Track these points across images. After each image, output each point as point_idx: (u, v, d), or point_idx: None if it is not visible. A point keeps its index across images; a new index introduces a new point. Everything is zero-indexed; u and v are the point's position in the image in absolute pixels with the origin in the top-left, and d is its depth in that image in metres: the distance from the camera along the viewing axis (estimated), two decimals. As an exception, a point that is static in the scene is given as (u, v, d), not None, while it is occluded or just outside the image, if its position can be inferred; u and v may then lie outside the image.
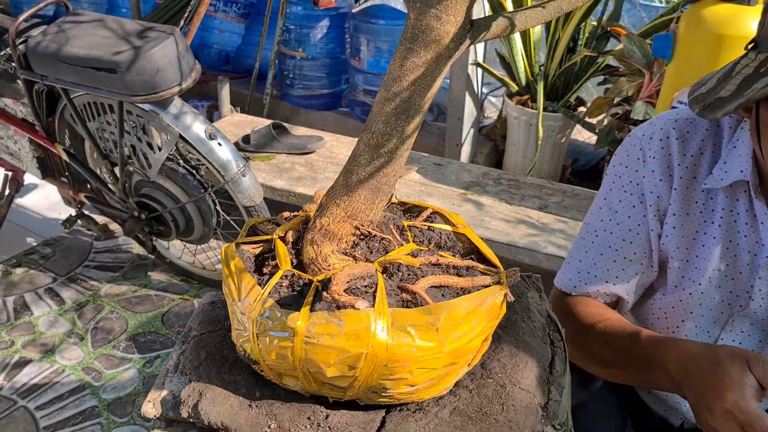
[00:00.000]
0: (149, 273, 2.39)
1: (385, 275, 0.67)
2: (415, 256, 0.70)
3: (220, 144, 1.83)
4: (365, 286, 0.65)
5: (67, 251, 2.50)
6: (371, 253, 0.70)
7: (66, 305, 2.22)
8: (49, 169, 2.24)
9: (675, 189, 0.94)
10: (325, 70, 3.16)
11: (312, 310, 0.62)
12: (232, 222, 2.07)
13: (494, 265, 0.73)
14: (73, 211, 2.30)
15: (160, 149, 1.87)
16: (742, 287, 0.93)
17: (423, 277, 0.68)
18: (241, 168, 1.85)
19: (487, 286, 0.68)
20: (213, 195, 2.00)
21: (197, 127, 1.82)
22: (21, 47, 1.84)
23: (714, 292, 0.95)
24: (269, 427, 0.65)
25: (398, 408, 0.68)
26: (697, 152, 0.94)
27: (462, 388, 0.70)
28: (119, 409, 1.83)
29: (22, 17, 1.80)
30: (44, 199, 2.80)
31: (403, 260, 0.68)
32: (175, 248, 2.35)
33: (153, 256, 2.34)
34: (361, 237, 0.71)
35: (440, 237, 0.76)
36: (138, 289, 2.30)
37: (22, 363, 1.99)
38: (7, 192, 2.40)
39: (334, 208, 0.69)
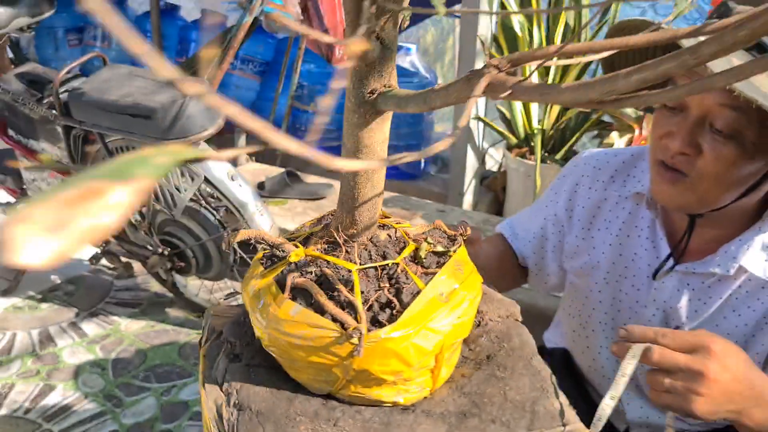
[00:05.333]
0: (167, 309, 2.52)
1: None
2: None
3: (240, 186, 1.99)
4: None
5: (89, 289, 2.64)
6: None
7: (88, 338, 2.35)
8: (77, 210, 2.40)
9: (591, 194, 1.17)
10: (335, 123, 3.36)
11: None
12: (248, 259, 2.21)
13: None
14: (97, 250, 2.44)
15: (186, 190, 2.03)
16: (638, 297, 1.09)
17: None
18: (259, 208, 2.01)
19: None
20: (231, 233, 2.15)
21: (220, 169, 1.98)
22: (63, 96, 2.02)
23: (608, 291, 1.12)
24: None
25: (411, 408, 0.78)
26: (622, 166, 1.15)
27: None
28: (138, 434, 1.95)
29: (65, 69, 1.99)
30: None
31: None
32: (193, 286, 2.48)
33: (171, 293, 2.48)
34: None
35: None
36: (156, 324, 2.43)
37: (47, 389, 2.10)
38: (35, 231, 2.55)
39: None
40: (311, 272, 0.75)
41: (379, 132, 0.72)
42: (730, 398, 0.79)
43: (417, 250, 0.77)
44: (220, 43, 2.39)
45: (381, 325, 0.69)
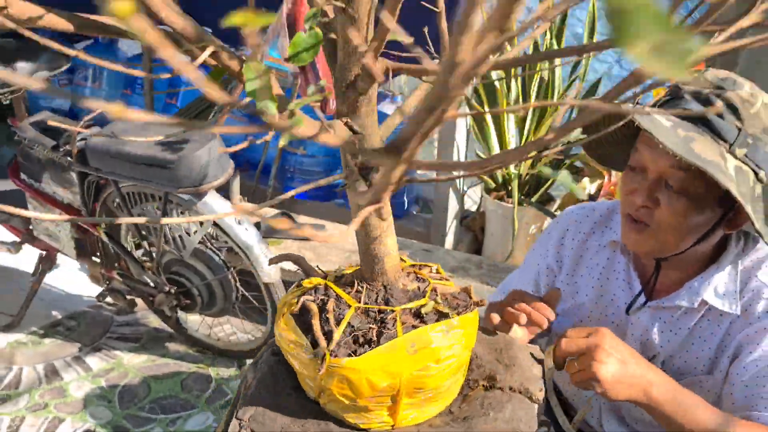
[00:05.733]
0: (166, 344, 2.64)
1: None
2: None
3: (246, 229, 2.15)
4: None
5: (91, 324, 2.75)
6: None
7: (93, 371, 2.46)
8: (83, 250, 2.53)
9: (574, 245, 1.35)
10: (323, 166, 3.53)
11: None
12: (249, 297, 2.36)
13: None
14: (97, 288, 2.56)
15: (195, 232, 2.18)
16: (617, 332, 1.28)
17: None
18: (264, 250, 2.16)
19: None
20: (235, 273, 2.30)
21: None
22: (79, 144, 2.17)
23: (592, 327, 1.33)
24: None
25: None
26: (600, 219, 1.34)
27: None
28: (148, 463, 2.07)
29: (84, 120, 2.14)
30: (66, 277, 3.06)
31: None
32: (193, 322, 2.62)
33: (172, 329, 2.60)
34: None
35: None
36: (157, 358, 2.55)
37: (56, 422, 2.21)
38: (40, 269, 2.67)
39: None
40: (320, 299, 0.92)
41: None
42: (625, 366, 1.02)
43: (424, 305, 0.93)
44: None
45: (355, 356, 0.85)
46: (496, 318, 1.18)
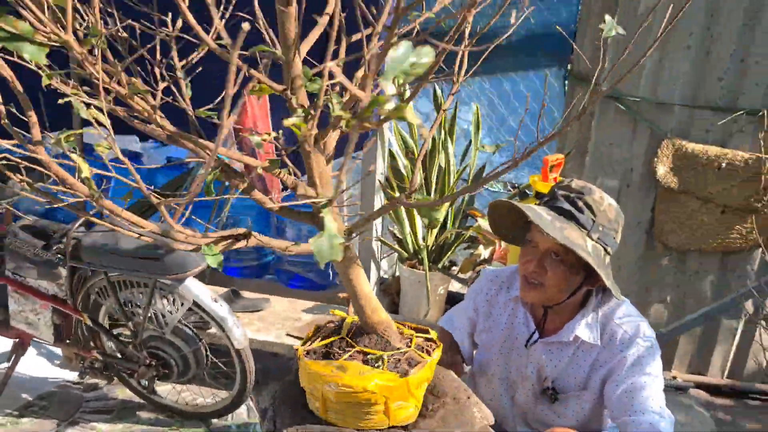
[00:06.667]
0: (137, 412, 2.99)
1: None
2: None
3: (221, 305, 2.61)
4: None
5: (63, 402, 3.05)
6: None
7: (76, 442, 2.78)
8: (60, 335, 2.87)
9: (488, 299, 1.91)
10: (256, 247, 4.01)
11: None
12: (219, 363, 2.79)
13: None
14: (60, 370, 2.89)
15: (177, 311, 2.61)
16: (520, 361, 1.84)
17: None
18: (235, 321, 2.63)
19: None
20: (206, 343, 2.73)
21: (206, 293, 2.60)
22: (72, 242, 2.57)
23: (503, 359, 1.86)
24: None
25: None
26: (506, 278, 1.91)
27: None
28: None
29: (77, 223, 2.56)
30: (29, 361, 3.33)
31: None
32: (162, 390, 2.99)
33: (142, 399, 2.96)
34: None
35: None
36: (133, 425, 2.90)
37: (55, 487, 2.52)
38: (14, 356, 2.97)
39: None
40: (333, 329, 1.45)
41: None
42: None
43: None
44: (180, 183, 3.05)
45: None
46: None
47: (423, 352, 1.38)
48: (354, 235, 1.19)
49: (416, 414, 1.35)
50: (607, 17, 1.02)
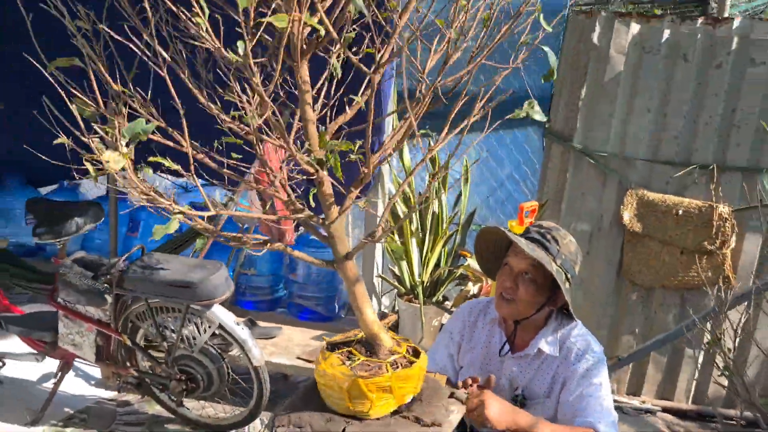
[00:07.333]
0: (166, 425, 3.40)
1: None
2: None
3: (243, 328, 3.05)
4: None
5: (98, 416, 3.46)
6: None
7: (114, 449, 3.19)
8: (101, 354, 3.30)
9: (469, 326, 2.30)
10: (269, 282, 4.47)
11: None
12: (239, 380, 3.21)
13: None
14: (94, 388, 3.31)
15: (205, 332, 3.04)
16: (497, 374, 2.18)
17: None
18: (254, 343, 3.06)
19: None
20: (228, 362, 3.16)
21: (230, 318, 3.04)
22: (118, 273, 3.02)
23: (483, 376, 2.19)
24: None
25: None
26: (483, 307, 2.30)
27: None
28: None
29: (124, 257, 3.02)
30: (71, 379, 3.75)
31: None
32: (187, 404, 3.40)
33: (170, 413, 3.37)
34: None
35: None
36: (162, 437, 3.31)
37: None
38: (60, 374, 3.40)
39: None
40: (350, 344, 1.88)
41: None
42: (502, 409, 1.83)
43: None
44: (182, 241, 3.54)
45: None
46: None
47: (396, 367, 1.73)
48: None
49: (389, 408, 1.71)
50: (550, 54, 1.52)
